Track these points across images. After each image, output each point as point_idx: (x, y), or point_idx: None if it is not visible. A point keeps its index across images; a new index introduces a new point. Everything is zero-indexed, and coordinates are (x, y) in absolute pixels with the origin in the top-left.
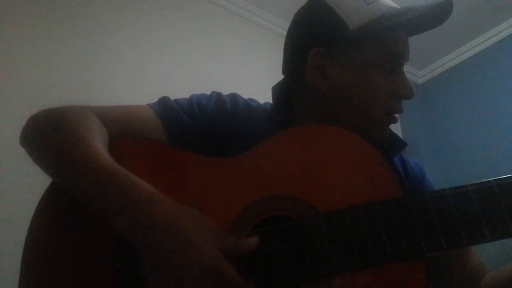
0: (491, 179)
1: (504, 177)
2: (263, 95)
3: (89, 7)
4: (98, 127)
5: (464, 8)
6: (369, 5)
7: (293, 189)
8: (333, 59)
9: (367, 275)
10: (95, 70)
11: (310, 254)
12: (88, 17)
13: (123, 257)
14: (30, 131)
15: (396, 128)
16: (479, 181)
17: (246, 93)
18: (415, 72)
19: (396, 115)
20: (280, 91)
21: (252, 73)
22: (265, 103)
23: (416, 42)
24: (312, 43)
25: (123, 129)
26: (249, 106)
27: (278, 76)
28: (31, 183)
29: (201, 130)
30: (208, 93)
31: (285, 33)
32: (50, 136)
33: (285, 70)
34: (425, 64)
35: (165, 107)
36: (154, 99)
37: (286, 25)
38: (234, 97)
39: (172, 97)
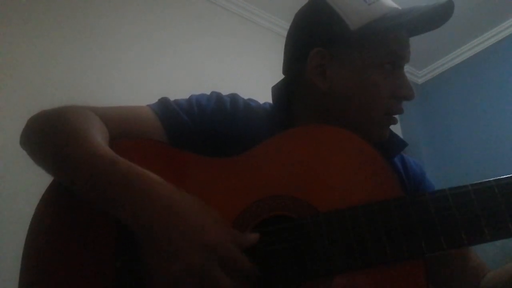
0: (491, 179)
1: (504, 177)
2: (263, 95)
3: (89, 7)
4: (98, 126)
5: (464, 8)
6: (370, 6)
7: (293, 189)
8: (333, 59)
9: (367, 275)
10: (95, 70)
11: (310, 254)
12: (88, 17)
13: (123, 257)
14: (30, 131)
15: (396, 128)
16: (479, 181)
17: (246, 93)
18: (415, 72)
19: (396, 115)
20: (280, 91)
21: (252, 73)
22: (265, 103)
23: (416, 42)
24: (313, 43)
25: (123, 130)
26: (249, 106)
27: (278, 76)
28: (31, 183)
29: (201, 131)
30: (208, 93)
31: (285, 33)
32: (50, 136)
33: (285, 70)
34: (425, 64)
35: (165, 107)
36: (154, 99)
37: (286, 25)
38: (234, 97)
39: (172, 97)
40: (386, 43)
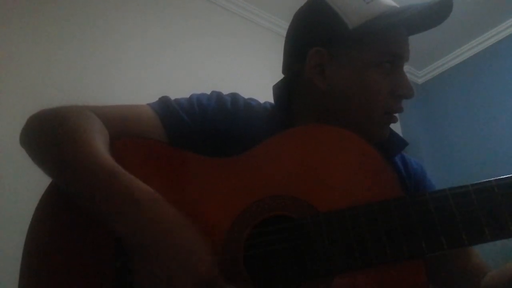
0: (491, 179)
1: (504, 177)
2: (263, 95)
3: (89, 6)
4: (98, 127)
5: (464, 8)
6: (368, 4)
7: (293, 189)
8: (332, 58)
9: (367, 275)
10: (95, 70)
11: (310, 254)
12: (88, 16)
13: (123, 257)
14: (30, 131)
15: (396, 128)
16: (479, 181)
17: (246, 93)
18: (415, 72)
19: (396, 114)
20: (280, 90)
21: (252, 72)
22: (265, 103)
23: (416, 42)
24: (312, 42)
25: (123, 129)
26: (249, 106)
27: (278, 76)
28: (31, 183)
29: (201, 130)
30: (208, 92)
31: (285, 33)
32: (50, 136)
33: (284, 70)
34: (425, 64)
35: (165, 106)
36: (154, 99)
37: (286, 25)
38: (234, 96)
39: (172, 97)
40: (385, 42)
